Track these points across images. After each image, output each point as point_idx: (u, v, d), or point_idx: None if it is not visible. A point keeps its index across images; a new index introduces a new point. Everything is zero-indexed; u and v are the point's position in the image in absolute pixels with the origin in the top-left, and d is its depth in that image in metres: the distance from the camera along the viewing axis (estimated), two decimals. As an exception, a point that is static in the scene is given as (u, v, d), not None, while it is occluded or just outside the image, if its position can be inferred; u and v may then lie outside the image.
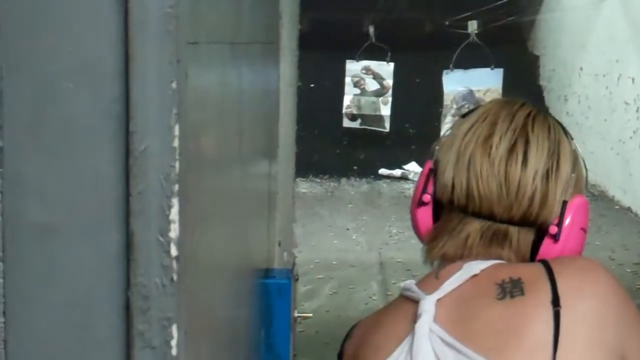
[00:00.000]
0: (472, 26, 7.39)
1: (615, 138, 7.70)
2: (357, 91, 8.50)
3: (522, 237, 1.19)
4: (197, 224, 0.82)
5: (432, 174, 1.24)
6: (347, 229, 6.67)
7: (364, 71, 8.42)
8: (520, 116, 1.22)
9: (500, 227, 1.18)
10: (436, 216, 1.24)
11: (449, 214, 1.22)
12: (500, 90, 7.94)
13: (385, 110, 8.48)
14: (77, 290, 0.75)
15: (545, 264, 1.15)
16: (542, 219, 1.18)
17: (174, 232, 0.74)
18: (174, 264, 0.74)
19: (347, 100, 8.51)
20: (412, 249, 6.28)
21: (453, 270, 1.18)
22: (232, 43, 1.05)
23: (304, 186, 7.97)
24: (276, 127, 1.84)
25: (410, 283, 1.21)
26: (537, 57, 9.54)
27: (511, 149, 1.19)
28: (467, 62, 7.59)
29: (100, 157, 0.74)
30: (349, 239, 6.39)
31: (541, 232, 1.19)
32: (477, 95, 8.01)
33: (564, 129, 1.25)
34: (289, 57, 1.94)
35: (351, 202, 7.67)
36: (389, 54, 8.17)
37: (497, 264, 1.18)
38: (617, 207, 7.42)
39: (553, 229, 1.18)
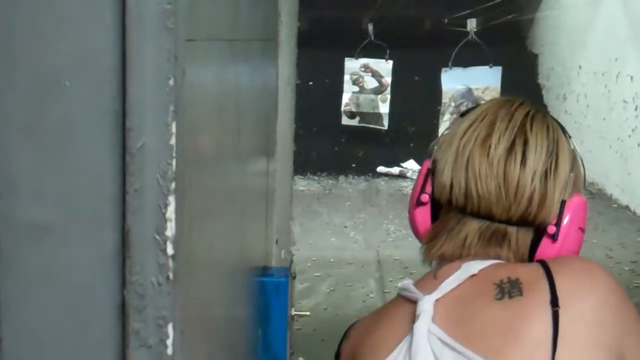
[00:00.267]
0: (471, 24, 7.39)
1: (613, 136, 7.70)
2: (356, 89, 8.49)
3: (521, 237, 1.19)
4: (194, 222, 0.81)
5: (431, 173, 1.24)
6: (345, 227, 6.67)
7: (362, 69, 8.42)
8: (518, 115, 1.22)
9: (499, 227, 1.19)
10: (434, 216, 1.24)
11: (447, 214, 1.22)
12: (498, 89, 7.94)
13: (384, 108, 8.47)
14: (72, 289, 0.75)
15: (544, 264, 1.15)
16: (541, 219, 1.18)
17: (171, 230, 0.74)
18: (170, 263, 0.74)
19: (345, 97, 8.50)
20: (410, 247, 6.26)
21: (451, 270, 1.18)
22: (231, 40, 1.04)
23: (302, 184, 7.96)
24: (274, 125, 1.83)
25: (408, 283, 1.21)
26: (535, 56, 9.54)
27: (510, 149, 1.19)
28: (466, 60, 7.59)
29: (97, 154, 0.73)
30: (346, 237, 6.39)
31: (540, 232, 1.19)
32: (476, 93, 8.01)
33: (562, 128, 1.25)
34: (287, 55, 1.93)
35: (349, 199, 7.67)
36: (388, 51, 8.16)
37: (496, 263, 1.18)
38: (615, 205, 7.42)
39: (551, 229, 1.18)
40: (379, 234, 6.45)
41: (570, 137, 1.24)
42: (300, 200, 6.81)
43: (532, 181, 1.17)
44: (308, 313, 1.64)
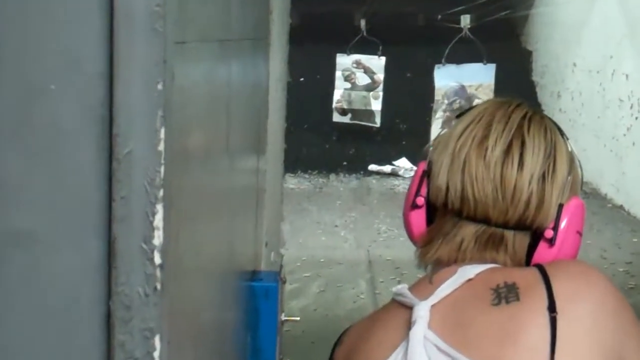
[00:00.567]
0: (465, 20, 7.38)
1: (608, 135, 7.72)
2: (348, 85, 8.49)
3: (518, 241, 1.19)
4: (182, 229, 0.81)
5: (426, 175, 1.24)
6: (336, 226, 6.67)
7: (354, 65, 8.41)
8: (516, 117, 1.22)
9: (496, 232, 1.19)
10: (430, 219, 1.24)
11: (443, 217, 1.22)
12: (492, 86, 7.95)
13: (376, 105, 8.47)
14: (56, 299, 0.74)
15: (541, 269, 1.15)
16: (538, 223, 1.18)
17: (158, 239, 0.73)
18: (158, 273, 0.73)
19: (337, 94, 8.50)
20: (401, 247, 6.26)
21: (447, 274, 1.18)
22: (221, 41, 1.04)
23: (292, 182, 7.96)
24: (265, 125, 1.83)
25: (403, 288, 1.21)
26: (530, 53, 9.56)
27: (507, 151, 1.19)
28: (460, 57, 7.58)
29: (83, 160, 0.73)
30: (337, 236, 6.39)
31: (537, 236, 1.19)
32: (469, 90, 8.01)
33: (560, 130, 1.25)
34: (279, 53, 1.93)
35: (340, 198, 7.67)
36: (380, 47, 8.15)
37: (492, 268, 1.18)
38: (610, 205, 7.44)
39: (549, 233, 1.18)
40: (370, 233, 6.45)
41: (567, 139, 1.25)
42: (290, 199, 6.80)
43: (529, 184, 1.17)
44: (298, 318, 1.64)
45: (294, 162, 7.78)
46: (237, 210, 1.33)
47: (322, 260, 5.75)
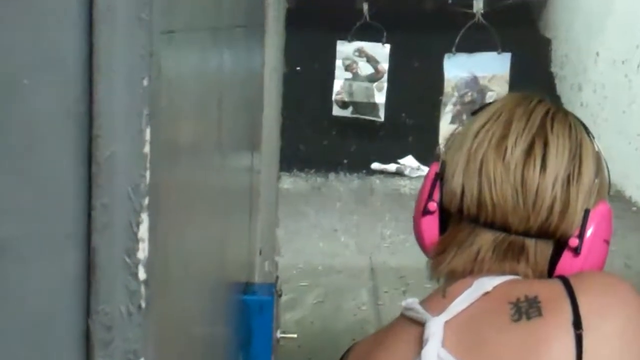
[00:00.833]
0: (478, 5, 7.37)
1: (634, 132, 7.72)
2: (349, 75, 8.47)
3: (540, 250, 1.19)
4: (170, 240, 0.81)
5: (439, 178, 1.24)
6: (335, 230, 6.67)
7: (356, 53, 8.39)
8: (537, 114, 1.22)
9: (516, 240, 1.19)
10: (443, 227, 1.24)
11: (457, 224, 1.22)
12: (507, 77, 7.94)
13: (380, 98, 8.46)
14: (29, 317, 0.74)
15: (565, 281, 1.15)
16: (562, 231, 1.19)
17: (143, 252, 0.73)
18: (142, 289, 0.73)
19: (337, 85, 8.48)
20: (407, 254, 6.24)
21: (462, 287, 1.19)
22: (212, 29, 1.04)
23: (288, 181, 7.95)
24: (260, 120, 1.84)
25: (413, 302, 1.21)
26: (548, 41, 9.56)
27: (528, 152, 1.19)
28: (472, 45, 7.57)
29: (59, 163, 0.72)
30: (336, 242, 6.39)
31: (561, 244, 1.19)
32: (482, 82, 8.01)
33: (585, 128, 1.25)
34: (274, 41, 1.94)
35: (340, 199, 7.66)
36: (385, 34, 8.13)
37: (512, 280, 1.18)
38: (635, 208, 7.45)
39: (574, 242, 1.18)
40: (373, 238, 6.45)
41: (593, 137, 1.25)
42: (286, 200, 6.79)
43: (553, 188, 1.18)
44: (295, 335, 1.63)
45: (289, 160, 7.76)
46: (230, 216, 1.33)
47: (320, 268, 5.75)
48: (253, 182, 1.72)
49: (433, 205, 1.23)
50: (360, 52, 8.40)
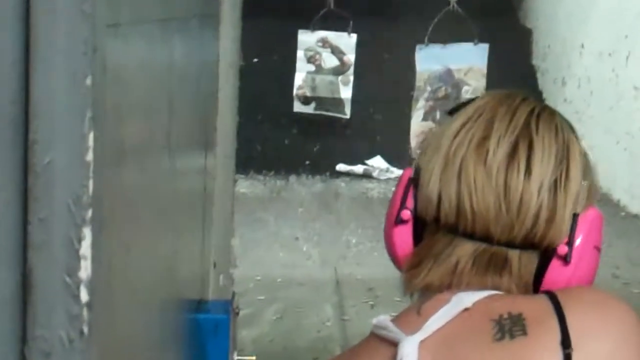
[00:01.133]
0: (453, -8, 7.41)
1: (621, 130, 7.81)
2: (312, 68, 8.48)
3: (525, 262, 1.20)
4: (115, 257, 0.80)
5: (413, 184, 1.24)
6: (296, 239, 6.67)
7: (320, 44, 8.40)
8: (521, 114, 1.23)
9: (498, 251, 1.19)
10: (417, 237, 1.24)
11: (434, 234, 1.22)
12: (484, 70, 8.00)
13: (346, 92, 8.47)
14: (-44, 344, 0.73)
15: (552, 296, 1.16)
16: (549, 240, 1.20)
17: (85, 271, 0.73)
18: (85, 313, 0.73)
19: (298, 79, 8.48)
20: (376, 264, 6.25)
21: (439, 303, 1.19)
22: (162, 20, 1.03)
23: (244, 185, 7.94)
24: (214, 118, 1.84)
25: (385, 320, 1.22)
26: (529, 31, 9.64)
27: (511, 155, 1.20)
28: (446, 36, 7.61)
29: (-9, 173, 0.72)
30: (298, 251, 6.39)
31: (548, 255, 1.20)
32: (457, 75, 8.06)
33: (572, 128, 1.27)
34: (230, 32, 1.93)
35: (302, 205, 7.67)
36: (351, 23, 8.15)
37: (494, 295, 1.19)
38: (623, 213, 7.53)
39: (562, 249, 1.19)
40: (338, 247, 6.46)
41: (581, 139, 1.26)
42: (242, 206, 6.78)
43: (538, 194, 1.19)
44: (254, 357, 1.64)
45: (245, 162, 7.75)
46: (182, 226, 1.33)
47: (279, 280, 5.75)
48: (207, 187, 1.71)
49: (406, 214, 1.24)
50: (324, 43, 8.41)
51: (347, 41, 8.46)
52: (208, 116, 1.73)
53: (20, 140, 0.71)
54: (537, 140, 1.20)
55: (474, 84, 7.72)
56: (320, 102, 8.58)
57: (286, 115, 8.57)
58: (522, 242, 1.19)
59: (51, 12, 0.69)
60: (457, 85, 7.72)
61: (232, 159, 2.31)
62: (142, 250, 0.96)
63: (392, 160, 8.46)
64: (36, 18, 0.69)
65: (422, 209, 1.22)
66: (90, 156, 0.71)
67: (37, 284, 0.72)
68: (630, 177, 7.61)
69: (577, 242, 1.20)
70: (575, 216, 1.20)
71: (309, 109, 8.61)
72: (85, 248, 0.72)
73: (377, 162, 8.64)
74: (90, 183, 0.71)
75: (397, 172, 8.31)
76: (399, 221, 1.24)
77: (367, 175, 8.56)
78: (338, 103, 8.57)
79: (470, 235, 1.19)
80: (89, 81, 0.70)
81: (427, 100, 7.81)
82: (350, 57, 8.49)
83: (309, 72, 8.52)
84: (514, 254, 1.19)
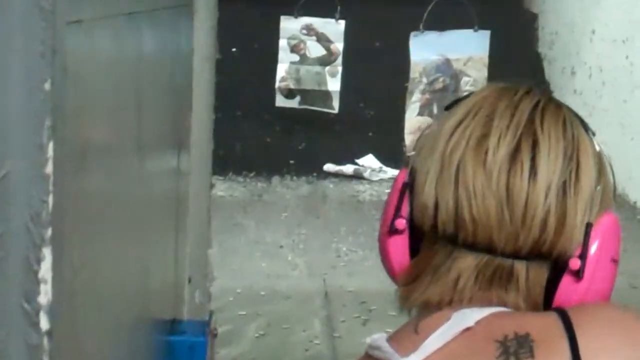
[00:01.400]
0: (451, -27, 7.43)
1: (637, 124, 7.84)
2: (296, 58, 8.48)
3: (533, 275, 1.20)
4: (79, 279, 0.80)
5: (408, 189, 1.24)
6: (281, 247, 6.67)
7: (304, 31, 8.40)
8: (524, 108, 1.22)
9: (503, 263, 1.19)
10: (414, 249, 1.24)
11: (432, 245, 1.22)
12: (486, 59, 8.01)
13: (334, 85, 8.47)
14: None
15: (563, 315, 1.16)
16: (560, 250, 1.19)
17: (45, 295, 0.72)
18: (45, 342, 0.73)
19: (281, 70, 8.48)
20: (369, 275, 6.24)
21: (438, 321, 1.19)
22: (130, 14, 1.03)
23: (222, 188, 7.94)
24: (188, 116, 1.84)
25: (380, 339, 1.22)
26: (535, 16, 9.66)
27: (514, 155, 1.19)
28: (443, 22, 7.62)
29: (-60, 187, 0.71)
30: (282, 261, 6.39)
31: (559, 267, 1.20)
32: (455, 65, 8.07)
33: (583, 122, 1.26)
34: (205, 22, 1.93)
35: (286, 209, 7.67)
36: (339, 8, 8.16)
37: (499, 312, 1.19)
38: (640, 217, 7.56)
39: (575, 263, 1.19)
40: (327, 256, 6.46)
41: (594, 134, 1.26)
42: (219, 211, 6.77)
43: (546, 198, 1.18)
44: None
45: (223, 162, 7.74)
46: (153, 237, 1.33)
47: (262, 293, 5.74)
48: (180, 192, 1.71)
49: (401, 223, 1.23)
50: (309, 30, 8.41)
51: (334, 28, 8.46)
52: (181, 114, 1.73)
53: (-28, 152, 0.71)
54: (542, 137, 1.20)
55: (475, 75, 7.72)
56: (306, 95, 8.57)
57: (268, 111, 8.56)
58: (530, 253, 1.19)
59: (5, 11, 0.69)
60: (456, 76, 7.73)
61: (209, 160, 2.31)
62: (109, 268, 0.95)
63: (385, 159, 8.46)
64: (-12, 16, 0.69)
65: (418, 217, 1.22)
66: (49, 168, 0.70)
67: (-9, 310, 0.72)
68: (647, 175, 7.64)
69: (591, 254, 1.19)
70: (588, 225, 1.20)
71: (293, 104, 8.60)
72: (45, 270, 0.71)
73: (369, 162, 8.65)
74: (50, 198, 0.71)
75: (390, 172, 8.31)
76: (394, 231, 1.24)
77: (357, 176, 8.57)
78: (325, 96, 8.57)
79: (472, 246, 1.19)
80: (47, 85, 0.70)
81: (423, 92, 7.82)
82: (338, 45, 8.49)
83: (292, 63, 8.52)
84: (520, 266, 1.19)
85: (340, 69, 8.48)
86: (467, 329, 1.17)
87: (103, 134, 0.93)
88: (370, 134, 8.60)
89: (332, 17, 8.33)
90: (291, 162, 8.65)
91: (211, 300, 2.32)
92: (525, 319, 1.17)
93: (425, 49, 7.89)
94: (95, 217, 0.88)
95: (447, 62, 7.93)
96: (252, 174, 8.49)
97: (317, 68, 8.50)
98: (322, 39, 8.46)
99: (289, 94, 8.58)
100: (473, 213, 1.18)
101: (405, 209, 1.24)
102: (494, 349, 1.14)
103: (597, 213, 1.21)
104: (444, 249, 1.20)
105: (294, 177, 8.53)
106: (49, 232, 0.72)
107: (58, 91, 0.72)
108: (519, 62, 8.62)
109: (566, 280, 1.19)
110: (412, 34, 7.85)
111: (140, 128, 1.14)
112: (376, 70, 8.67)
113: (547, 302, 1.21)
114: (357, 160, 8.68)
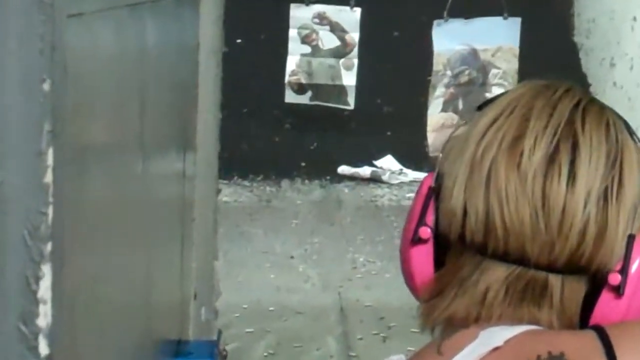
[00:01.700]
0: (477, -45, 7.45)
1: (684, 122, 7.83)
2: (307, 50, 8.49)
3: (569, 290, 1.20)
4: (80, 298, 0.80)
5: (434, 195, 1.24)
6: (291, 258, 6.69)
7: (316, 20, 8.42)
8: (564, 107, 1.23)
9: (536, 276, 1.19)
10: (439, 260, 1.24)
11: (458, 256, 1.22)
12: (516, 50, 8.02)
13: (349, 79, 8.48)
14: None
15: (601, 333, 1.16)
16: (599, 263, 1.19)
17: (45, 317, 0.72)
18: None
19: (291, 62, 8.50)
20: (387, 288, 6.26)
21: (464, 341, 1.19)
22: (132, 5, 1.04)
23: (227, 193, 7.96)
24: (194, 115, 1.85)
25: (400, 359, 1.22)
26: (570, 2, 9.67)
27: (551, 158, 1.19)
28: (469, 8, 7.64)
29: None
30: (293, 273, 6.41)
31: (597, 282, 1.20)
32: (483, 56, 8.08)
33: (628, 126, 1.26)
34: (211, 12, 1.94)
35: (297, 216, 7.69)
36: (354, -6, 8.19)
37: (531, 331, 1.19)
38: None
39: (615, 278, 1.19)
40: (342, 268, 6.48)
41: (639, 139, 1.26)
42: (224, 218, 6.79)
43: (585, 206, 1.18)
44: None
45: (228, 164, 7.76)
46: (157, 249, 1.34)
47: (271, 308, 5.76)
48: (186, 199, 1.72)
49: (426, 232, 1.24)
50: (322, 19, 8.43)
51: (349, 16, 8.48)
52: (187, 113, 1.74)
53: (-36, 159, 0.71)
54: (582, 139, 1.20)
55: (504, 67, 7.72)
56: (318, 90, 8.59)
57: (276, 108, 8.58)
58: (566, 265, 1.19)
59: (1, 5, 0.69)
60: (484, 69, 7.72)
61: (215, 163, 2.32)
62: (111, 285, 0.96)
63: (405, 161, 8.48)
64: (-18, 11, 0.69)
65: (445, 225, 1.23)
66: (49, 177, 0.70)
67: (-15, 333, 0.72)
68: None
69: (633, 269, 1.20)
70: (631, 237, 1.20)
71: (304, 99, 8.61)
72: (45, 289, 0.71)
73: (388, 163, 8.66)
74: (50, 210, 0.71)
75: (411, 174, 8.33)
76: (417, 240, 1.24)
77: (375, 179, 8.58)
78: (339, 92, 8.58)
79: (502, 257, 1.19)
80: (46, 86, 0.70)
81: (447, 87, 7.83)
82: (354, 35, 8.50)
83: (303, 55, 8.53)
84: (555, 280, 1.19)
85: (355, 61, 8.49)
86: (496, 349, 1.17)
87: (104, 137, 0.94)
88: (388, 132, 8.60)
89: (347, 4, 8.35)
90: (302, 164, 8.67)
91: (217, 317, 2.33)
92: (560, 337, 1.18)
93: (450, 39, 7.90)
94: (96, 230, 0.89)
95: (474, 52, 7.94)
96: (259, 178, 8.51)
97: (331, 60, 8.51)
98: (336, 29, 8.47)
99: (300, 89, 8.59)
100: (505, 220, 1.18)
101: (430, 217, 1.24)
102: None
103: None
104: (472, 259, 1.21)
105: (306, 181, 8.54)
106: (49, 247, 0.72)
107: (58, 92, 0.72)
108: (553, 53, 8.62)
109: (605, 297, 1.20)
110: (435, 22, 7.86)
111: (144, 129, 1.15)
112: (395, 63, 8.68)
113: (583, 320, 1.21)
114: (375, 162, 8.69)
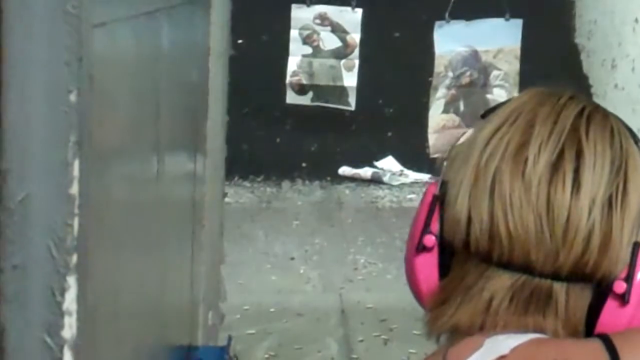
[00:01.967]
0: (479, -44, 7.45)
1: (685, 124, 7.82)
2: (308, 50, 8.49)
3: (574, 298, 1.21)
4: (103, 309, 0.80)
5: (439, 202, 1.24)
6: (292, 259, 6.68)
7: (317, 21, 8.41)
8: (568, 114, 1.23)
9: (541, 284, 1.20)
10: (444, 268, 1.25)
11: (463, 264, 1.23)
12: (518, 51, 8.02)
13: (350, 80, 8.48)
14: None
15: (607, 342, 1.17)
16: (603, 271, 1.20)
17: (70, 329, 0.72)
18: None
19: (292, 63, 8.49)
20: (389, 289, 6.24)
21: (469, 349, 1.20)
22: (149, 13, 1.04)
23: (228, 193, 7.96)
24: (205, 119, 1.86)
25: None
26: (571, 3, 9.68)
27: (556, 165, 1.20)
28: (471, 10, 7.64)
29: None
30: (294, 274, 6.40)
31: (602, 290, 1.20)
32: (485, 58, 8.08)
33: (632, 133, 1.27)
34: (219, 17, 1.95)
35: (297, 217, 7.68)
36: (356, -5, 8.19)
37: (536, 339, 1.19)
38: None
39: (619, 286, 1.19)
40: (343, 269, 6.46)
41: None
42: (225, 219, 6.81)
43: (589, 213, 1.18)
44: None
45: (229, 165, 7.77)
46: (170, 255, 1.34)
47: (272, 310, 5.75)
48: (196, 203, 1.73)
49: (430, 240, 1.24)
50: (323, 19, 8.42)
51: (351, 17, 8.47)
52: (198, 115, 1.75)
53: (-10, 170, 0.71)
54: (587, 147, 1.20)
55: (506, 68, 7.71)
56: (319, 91, 8.58)
57: (277, 108, 8.58)
58: (570, 273, 1.19)
59: (28, 16, 0.68)
60: (485, 70, 7.72)
61: (222, 166, 2.32)
62: (129, 294, 0.96)
63: (406, 162, 8.47)
64: (9, 23, 0.68)
65: (449, 233, 1.23)
66: (75, 189, 0.70)
67: (10, 346, 0.71)
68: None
69: (638, 277, 1.20)
70: (636, 245, 1.20)
71: (305, 100, 8.61)
72: (70, 301, 0.71)
73: (389, 164, 8.66)
74: (76, 221, 0.71)
75: (412, 175, 8.32)
76: (422, 249, 1.25)
77: (376, 180, 8.58)
78: (340, 92, 8.58)
79: (507, 265, 1.19)
80: (73, 97, 0.69)
81: (448, 88, 7.82)
82: (355, 36, 8.50)
83: (304, 55, 8.53)
84: (560, 288, 1.20)
85: (357, 62, 8.48)
86: (502, 358, 1.18)
87: (124, 145, 0.94)
88: (389, 133, 8.60)
89: (348, 5, 8.34)
90: (303, 165, 8.66)
91: (223, 321, 2.32)
92: (566, 346, 1.18)
93: (451, 40, 7.89)
94: (116, 239, 0.88)
95: (475, 54, 7.93)
96: (260, 178, 8.51)
97: (332, 61, 8.50)
98: (338, 30, 8.47)
99: (301, 89, 8.58)
100: (509, 228, 1.19)
101: (434, 225, 1.25)
102: None
103: None
104: (477, 267, 1.21)
105: (306, 182, 8.54)
106: (74, 258, 0.72)
107: (84, 102, 0.72)
108: (555, 54, 8.62)
109: (610, 305, 1.20)
110: (437, 23, 7.85)
111: (159, 135, 1.15)
112: (397, 64, 8.68)
113: (588, 328, 1.21)
114: (376, 163, 8.69)
